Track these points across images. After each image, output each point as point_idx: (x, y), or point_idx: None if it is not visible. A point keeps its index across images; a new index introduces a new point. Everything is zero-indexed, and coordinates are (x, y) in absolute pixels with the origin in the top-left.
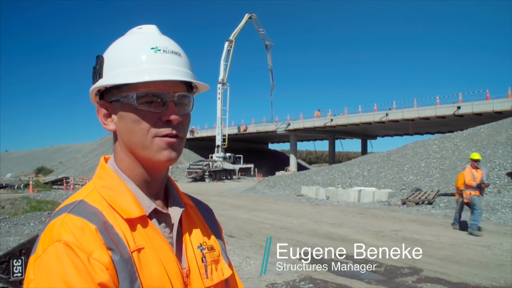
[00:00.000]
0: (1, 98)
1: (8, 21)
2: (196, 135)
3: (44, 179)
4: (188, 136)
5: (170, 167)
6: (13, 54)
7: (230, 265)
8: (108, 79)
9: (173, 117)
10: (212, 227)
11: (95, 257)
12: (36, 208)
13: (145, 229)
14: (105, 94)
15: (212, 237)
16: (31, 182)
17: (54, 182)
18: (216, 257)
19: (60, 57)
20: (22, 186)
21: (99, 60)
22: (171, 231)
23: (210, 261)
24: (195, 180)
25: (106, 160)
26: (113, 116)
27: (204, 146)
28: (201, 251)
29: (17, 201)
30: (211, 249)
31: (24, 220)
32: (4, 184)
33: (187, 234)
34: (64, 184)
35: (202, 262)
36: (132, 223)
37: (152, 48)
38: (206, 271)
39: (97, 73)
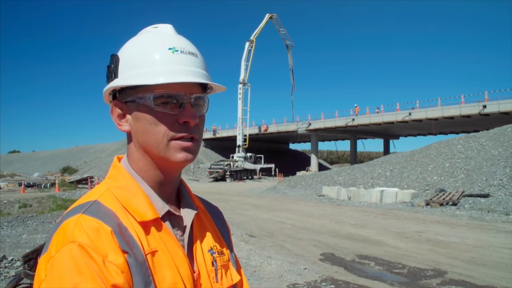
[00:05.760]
0: (28, 100)
1: (39, 22)
2: (218, 135)
3: (70, 179)
4: (211, 135)
5: (192, 167)
6: (38, 57)
7: (239, 270)
8: (124, 79)
9: (191, 119)
10: (222, 231)
11: (110, 260)
12: (62, 206)
13: (159, 231)
14: (119, 94)
15: (222, 241)
16: (57, 181)
17: (79, 181)
18: (225, 262)
19: (80, 58)
20: (48, 185)
21: (114, 60)
22: (183, 233)
23: (220, 265)
24: (216, 180)
25: (119, 160)
26: (128, 117)
27: (225, 146)
28: (212, 255)
29: (44, 199)
30: (221, 253)
31: (51, 218)
32: (31, 183)
33: (198, 237)
34: (89, 183)
35: (213, 266)
36: (145, 226)
37: (169, 49)
38: (216, 275)
39: (112, 73)
